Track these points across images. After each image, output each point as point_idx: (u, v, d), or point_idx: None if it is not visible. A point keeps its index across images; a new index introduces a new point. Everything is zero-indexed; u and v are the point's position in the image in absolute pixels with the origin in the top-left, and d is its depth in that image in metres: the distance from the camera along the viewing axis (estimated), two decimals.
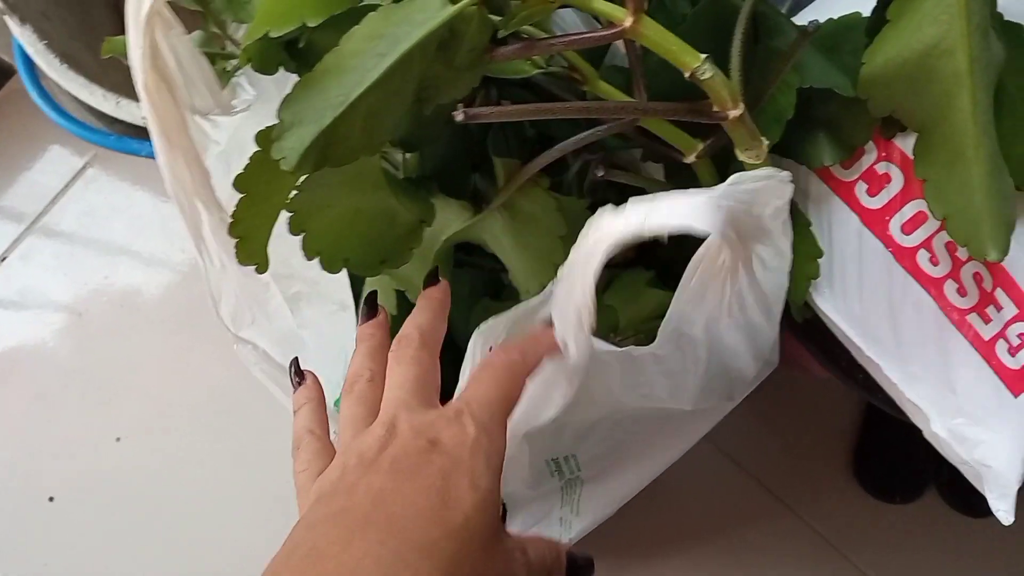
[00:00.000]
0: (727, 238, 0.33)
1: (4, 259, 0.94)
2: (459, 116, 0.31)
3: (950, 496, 0.87)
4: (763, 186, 0.34)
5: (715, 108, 0.34)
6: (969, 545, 0.87)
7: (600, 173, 0.43)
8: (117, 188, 0.95)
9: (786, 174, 0.36)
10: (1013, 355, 0.42)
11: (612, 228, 0.31)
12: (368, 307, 0.38)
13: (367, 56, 0.31)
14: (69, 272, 0.93)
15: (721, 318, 0.41)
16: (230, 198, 0.42)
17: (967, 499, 0.86)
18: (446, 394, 0.63)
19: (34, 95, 0.69)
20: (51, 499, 0.88)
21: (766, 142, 0.36)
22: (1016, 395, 0.42)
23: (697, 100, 0.35)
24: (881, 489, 0.88)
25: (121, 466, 0.88)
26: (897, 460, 0.87)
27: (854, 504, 0.88)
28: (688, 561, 0.88)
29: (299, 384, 0.38)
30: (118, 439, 0.89)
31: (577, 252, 0.32)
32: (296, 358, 0.39)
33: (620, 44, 0.48)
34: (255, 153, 0.35)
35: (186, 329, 0.90)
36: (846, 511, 0.88)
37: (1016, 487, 0.42)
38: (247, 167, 0.35)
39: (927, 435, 0.44)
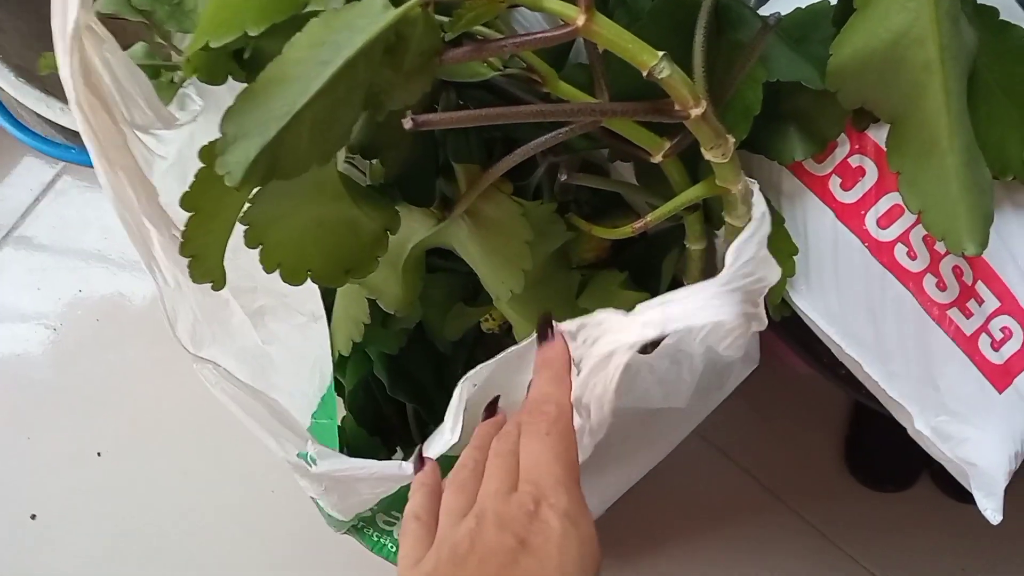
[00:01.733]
0: (747, 315, 0.31)
1: None
2: (408, 124, 0.30)
3: (943, 482, 0.86)
4: (760, 238, 0.33)
5: (676, 107, 0.33)
6: (963, 530, 0.86)
7: (563, 177, 0.42)
8: (88, 199, 0.94)
9: (762, 206, 0.35)
10: (996, 349, 0.41)
11: (629, 336, 0.31)
12: (488, 411, 0.39)
13: (310, 64, 0.30)
14: (43, 286, 0.92)
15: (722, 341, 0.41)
16: (183, 214, 0.41)
17: (960, 485, 0.85)
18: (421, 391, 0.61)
19: None
20: (33, 516, 0.87)
21: (732, 139, 0.34)
22: (1000, 391, 0.41)
23: (659, 99, 0.34)
24: (873, 478, 0.87)
25: (103, 481, 0.87)
26: (889, 449, 0.86)
27: (846, 494, 0.87)
28: (680, 555, 0.87)
29: (418, 469, 0.38)
30: (99, 454, 0.87)
31: (590, 349, 0.33)
32: (421, 446, 0.40)
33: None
34: (200, 170, 0.33)
35: (164, 341, 0.87)
36: (838, 501, 0.87)
37: (1003, 485, 0.41)
38: (193, 184, 0.33)
39: (911, 433, 0.43)
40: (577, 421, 0.35)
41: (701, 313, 0.30)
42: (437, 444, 0.40)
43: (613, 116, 0.34)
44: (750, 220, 0.34)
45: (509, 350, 0.39)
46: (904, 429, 0.85)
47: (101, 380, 0.89)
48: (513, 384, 0.40)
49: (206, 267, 0.37)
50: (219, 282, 0.38)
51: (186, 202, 0.34)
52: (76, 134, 0.65)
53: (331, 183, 0.39)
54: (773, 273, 0.33)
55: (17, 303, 0.92)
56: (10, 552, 0.87)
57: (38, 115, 0.63)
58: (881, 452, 0.87)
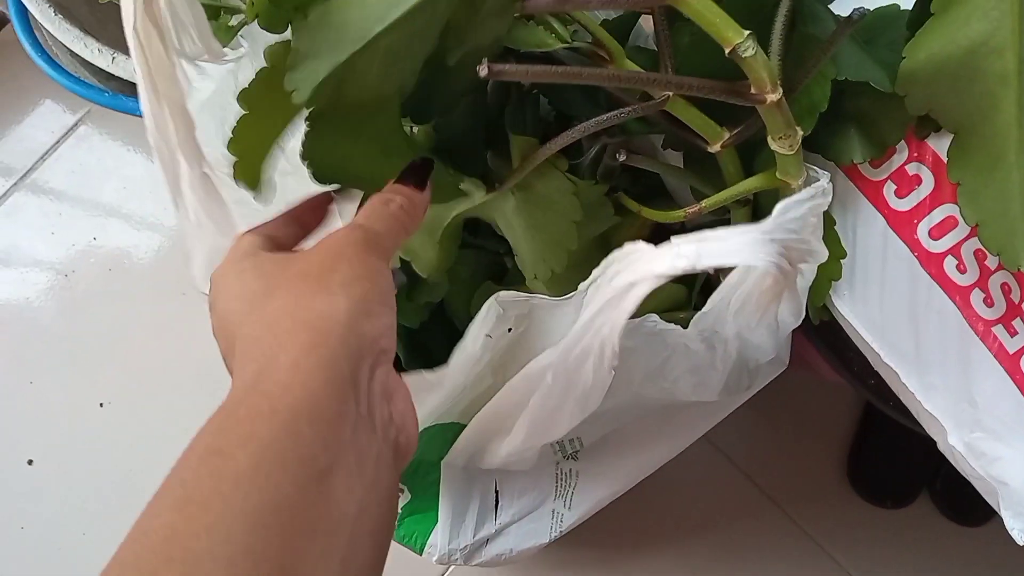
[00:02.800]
0: (781, 269, 0.31)
1: None
2: (483, 71, 0.29)
3: (942, 503, 0.86)
4: (809, 208, 0.33)
5: (753, 90, 0.32)
6: (959, 553, 0.86)
7: (622, 157, 0.41)
8: (109, 148, 0.93)
9: (825, 183, 0.34)
10: None
11: (658, 266, 0.30)
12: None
13: None
14: (57, 231, 0.91)
15: (758, 327, 0.40)
16: (214, 151, 0.40)
17: (959, 506, 0.86)
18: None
19: (27, 46, 0.66)
20: (30, 462, 0.86)
21: (800, 132, 0.34)
22: None
23: (737, 80, 0.33)
24: (873, 493, 0.87)
25: (104, 432, 0.86)
26: (891, 464, 0.86)
27: (845, 506, 0.87)
28: (676, 554, 0.87)
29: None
30: (101, 404, 0.87)
31: (610, 282, 0.31)
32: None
33: (644, 24, 0.46)
34: (263, 70, 0.32)
35: (175, 296, 0.88)
36: (837, 513, 0.87)
37: None
38: (252, 83, 0.33)
39: (942, 447, 0.43)
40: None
41: (736, 254, 0.30)
42: (459, 356, 0.41)
43: (689, 90, 0.33)
44: (808, 186, 0.33)
45: (547, 298, 0.38)
46: (908, 446, 0.85)
47: (108, 331, 0.89)
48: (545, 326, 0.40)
49: (248, 166, 0.36)
50: (254, 184, 0.37)
51: (243, 99, 0.33)
52: (109, 77, 0.64)
53: (394, 135, 0.38)
54: (819, 246, 0.33)
55: (30, 247, 0.91)
56: (4, 496, 0.86)
57: (72, 54, 0.63)
58: (883, 467, 0.87)
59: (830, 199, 0.33)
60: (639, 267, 0.31)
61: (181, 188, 0.39)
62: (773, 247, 0.30)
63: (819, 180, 0.35)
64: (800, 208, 0.31)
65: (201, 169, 0.38)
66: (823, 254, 0.33)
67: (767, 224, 0.31)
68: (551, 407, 0.41)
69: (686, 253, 0.29)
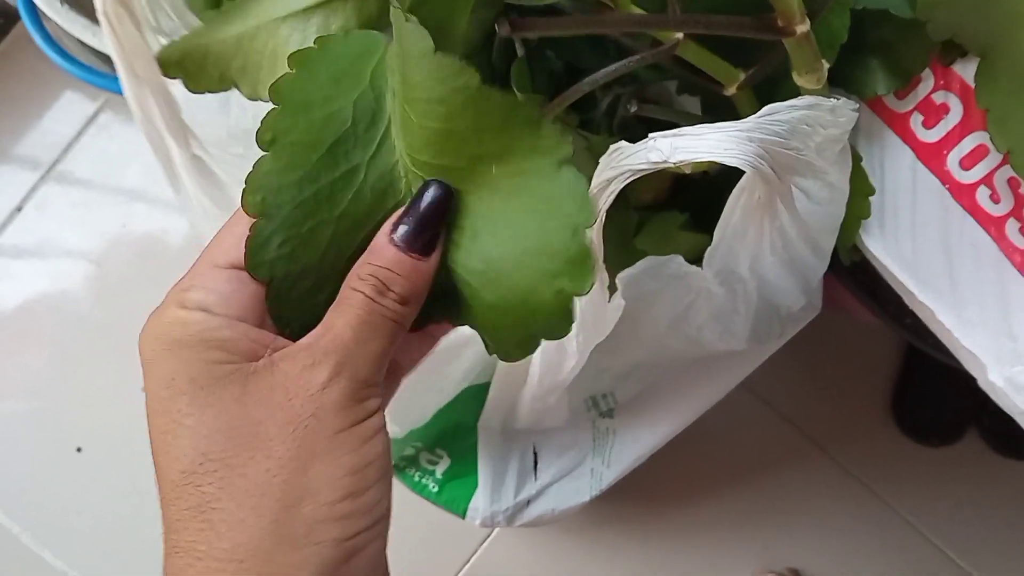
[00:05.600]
0: (760, 172, 0.30)
1: (20, 209, 0.92)
2: (503, 29, 0.28)
3: (991, 438, 0.85)
4: (801, 116, 0.32)
5: (780, 23, 0.31)
6: (1010, 488, 0.85)
7: (634, 108, 0.40)
8: (130, 134, 0.93)
9: (834, 102, 0.33)
10: None
11: (633, 160, 0.29)
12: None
13: None
14: (86, 221, 0.92)
15: (764, 255, 0.39)
16: (202, 130, 0.40)
17: (1008, 441, 0.84)
18: None
19: (38, 39, 0.66)
20: (79, 449, 0.88)
21: (827, 65, 0.33)
22: None
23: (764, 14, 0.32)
24: (920, 432, 0.86)
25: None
26: (937, 402, 0.85)
27: (892, 447, 0.86)
28: (721, 504, 0.87)
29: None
30: (142, 389, 0.88)
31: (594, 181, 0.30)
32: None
33: None
34: None
35: None
36: (884, 454, 0.86)
37: None
38: None
39: (982, 384, 0.42)
40: None
41: (711, 151, 0.29)
42: None
43: (716, 29, 0.32)
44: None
45: None
46: (953, 383, 0.83)
47: (144, 316, 0.89)
48: None
49: None
50: None
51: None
52: None
53: None
54: (821, 162, 0.32)
55: (61, 238, 0.92)
56: (56, 484, 0.89)
57: (82, 44, 0.62)
58: (928, 404, 0.85)
59: (845, 119, 0.31)
60: (616, 163, 0.30)
61: (175, 170, 0.39)
62: (751, 147, 0.29)
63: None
64: (790, 113, 0.30)
65: (191, 151, 0.38)
66: (830, 169, 0.32)
67: (747, 123, 0.30)
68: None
69: (661, 147, 0.29)
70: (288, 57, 0.25)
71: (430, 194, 0.26)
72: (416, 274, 0.26)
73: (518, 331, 0.26)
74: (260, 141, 0.25)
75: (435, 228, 0.26)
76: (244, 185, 0.25)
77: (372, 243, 0.26)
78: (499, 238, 0.26)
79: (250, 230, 0.26)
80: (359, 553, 0.24)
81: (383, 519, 0.25)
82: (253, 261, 0.26)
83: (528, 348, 0.27)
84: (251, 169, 0.25)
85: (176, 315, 0.26)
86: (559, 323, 0.26)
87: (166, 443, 0.25)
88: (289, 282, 0.26)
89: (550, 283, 0.26)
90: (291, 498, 0.23)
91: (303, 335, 0.26)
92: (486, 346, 0.27)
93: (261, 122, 0.25)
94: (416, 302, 0.26)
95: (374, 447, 0.25)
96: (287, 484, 0.23)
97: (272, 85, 0.25)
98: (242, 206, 0.25)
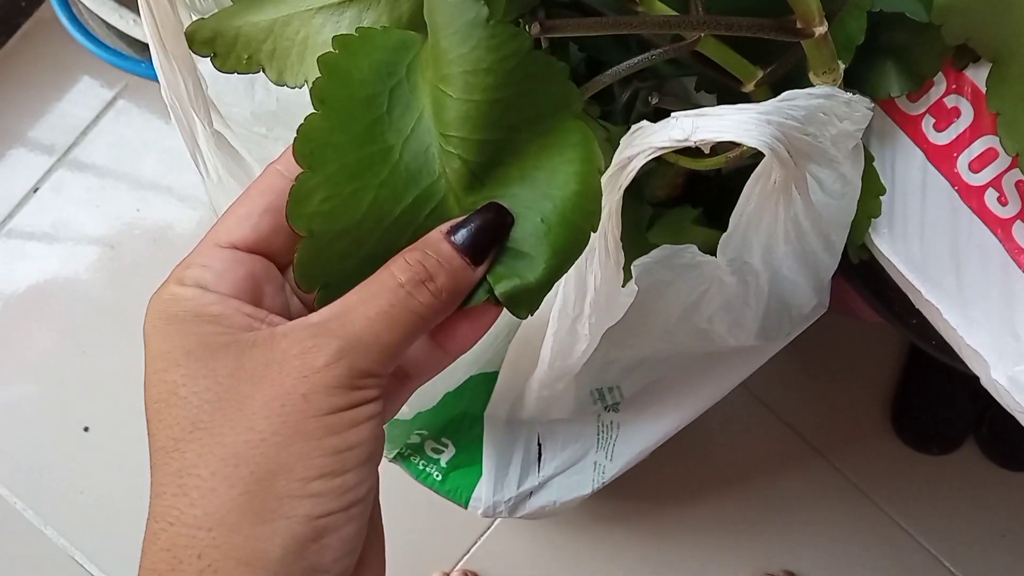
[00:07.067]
0: (777, 154, 0.31)
1: (36, 191, 0.93)
2: (535, 29, 0.29)
3: (989, 448, 0.85)
4: (818, 104, 0.33)
5: (799, 24, 0.32)
6: (1006, 498, 0.86)
7: (654, 101, 0.41)
8: (148, 120, 0.94)
9: (850, 96, 0.34)
10: None
11: (656, 139, 0.30)
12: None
13: None
14: (101, 205, 0.93)
15: (778, 245, 0.40)
16: (227, 107, 0.41)
17: (1006, 451, 0.85)
18: None
19: (64, 20, 0.68)
20: (86, 429, 0.89)
21: (843, 65, 0.34)
22: None
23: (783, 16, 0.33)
24: (919, 439, 0.86)
25: None
26: (936, 410, 0.85)
27: (890, 454, 0.87)
28: (719, 505, 0.88)
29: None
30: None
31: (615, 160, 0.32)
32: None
33: None
34: None
35: None
36: (882, 461, 0.87)
37: None
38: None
39: (985, 383, 0.42)
40: None
41: (731, 130, 0.30)
42: None
43: (738, 30, 0.33)
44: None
45: None
46: (953, 391, 0.84)
47: None
48: None
49: None
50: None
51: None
52: (145, 47, 0.65)
53: None
54: (836, 152, 0.33)
55: (76, 221, 0.93)
56: (64, 463, 0.89)
57: (108, 26, 0.64)
58: (928, 413, 0.86)
59: (862, 115, 0.33)
60: (638, 141, 0.31)
61: (199, 145, 0.39)
62: (769, 128, 0.30)
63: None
64: (808, 100, 0.31)
65: (213, 127, 0.39)
66: (844, 162, 0.33)
67: (767, 105, 0.31)
68: (569, 317, 0.41)
69: (683, 125, 0.30)
70: (332, 38, 0.26)
71: (491, 212, 0.27)
72: (461, 275, 0.26)
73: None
74: (313, 99, 0.26)
75: (490, 241, 0.27)
76: (295, 135, 0.26)
77: (425, 236, 0.27)
78: (538, 193, 0.27)
79: (295, 179, 0.26)
80: (330, 533, 0.24)
81: (359, 503, 0.25)
82: (294, 212, 0.26)
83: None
84: (302, 122, 0.26)
85: (173, 291, 0.26)
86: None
87: (159, 412, 0.25)
88: (324, 240, 0.26)
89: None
90: (264, 471, 0.23)
91: (322, 296, 0.26)
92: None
93: (312, 84, 0.26)
94: (450, 303, 0.26)
95: (360, 433, 0.25)
96: (264, 457, 0.23)
97: (319, 57, 0.26)
98: (292, 153, 0.26)
